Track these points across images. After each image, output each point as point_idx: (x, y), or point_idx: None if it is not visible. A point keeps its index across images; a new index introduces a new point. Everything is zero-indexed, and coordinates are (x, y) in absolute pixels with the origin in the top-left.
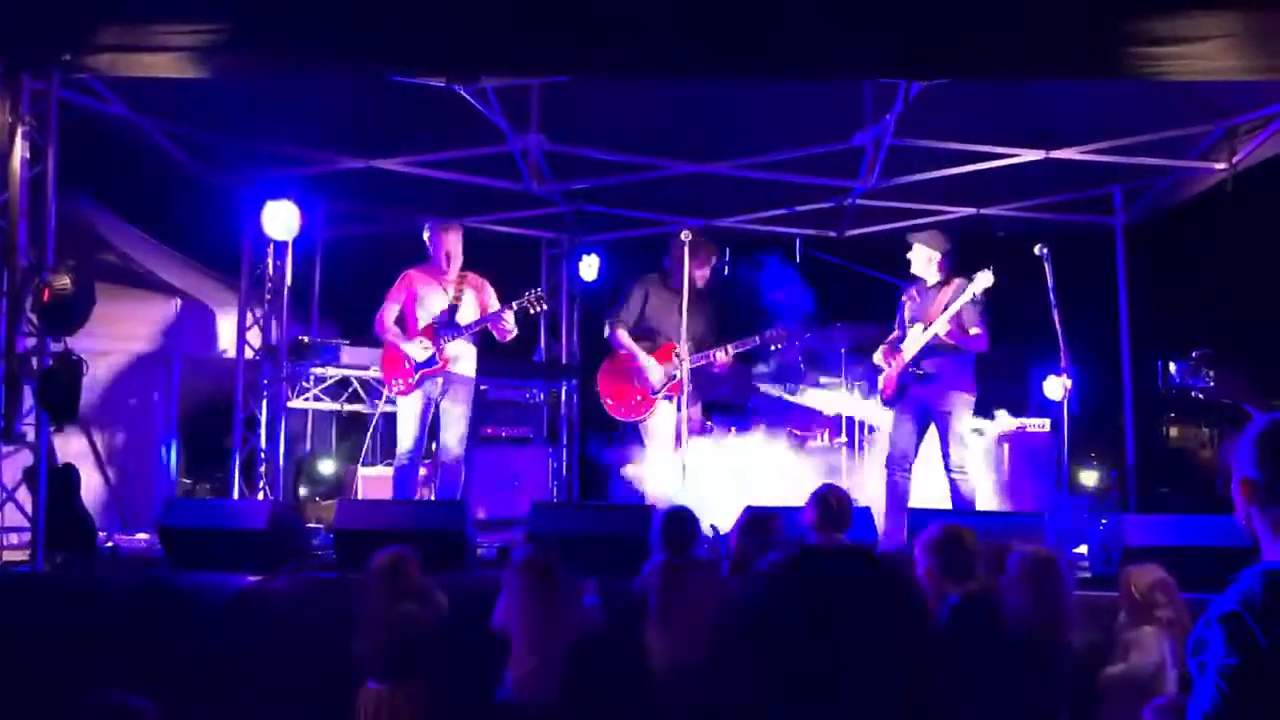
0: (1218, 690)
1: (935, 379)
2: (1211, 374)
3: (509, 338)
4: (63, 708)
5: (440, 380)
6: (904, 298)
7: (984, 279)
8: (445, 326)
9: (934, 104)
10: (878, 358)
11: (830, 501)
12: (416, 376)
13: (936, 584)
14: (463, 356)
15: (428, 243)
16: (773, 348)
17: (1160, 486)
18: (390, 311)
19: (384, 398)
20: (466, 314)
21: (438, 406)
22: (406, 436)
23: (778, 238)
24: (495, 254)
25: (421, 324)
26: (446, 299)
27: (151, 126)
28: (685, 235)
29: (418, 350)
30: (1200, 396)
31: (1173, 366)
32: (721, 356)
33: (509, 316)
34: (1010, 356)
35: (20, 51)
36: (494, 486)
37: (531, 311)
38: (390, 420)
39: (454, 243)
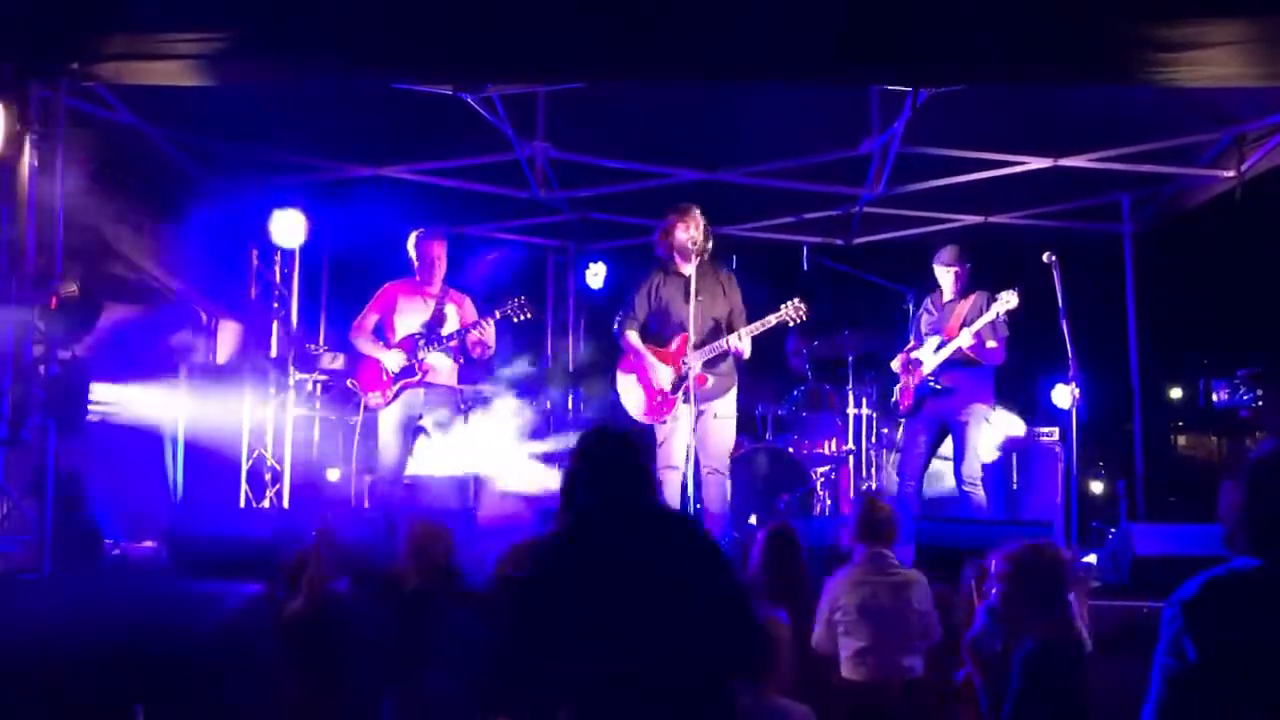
0: (1157, 687)
1: (954, 392)
2: (1260, 392)
3: (487, 354)
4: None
5: (421, 392)
6: (921, 310)
7: (1008, 300)
8: (425, 337)
9: (942, 111)
10: (896, 367)
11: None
12: (395, 388)
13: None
14: (442, 368)
15: (413, 253)
16: (790, 324)
17: (1169, 496)
18: (368, 320)
19: (361, 408)
20: (448, 327)
21: (420, 420)
22: (387, 451)
23: (784, 245)
24: (501, 262)
25: (400, 336)
26: (428, 311)
27: (158, 135)
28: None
29: (394, 360)
30: (1246, 415)
31: (1214, 389)
32: (735, 342)
33: (490, 326)
34: (1018, 365)
35: (28, 59)
36: (500, 494)
37: (515, 320)
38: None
39: (438, 252)
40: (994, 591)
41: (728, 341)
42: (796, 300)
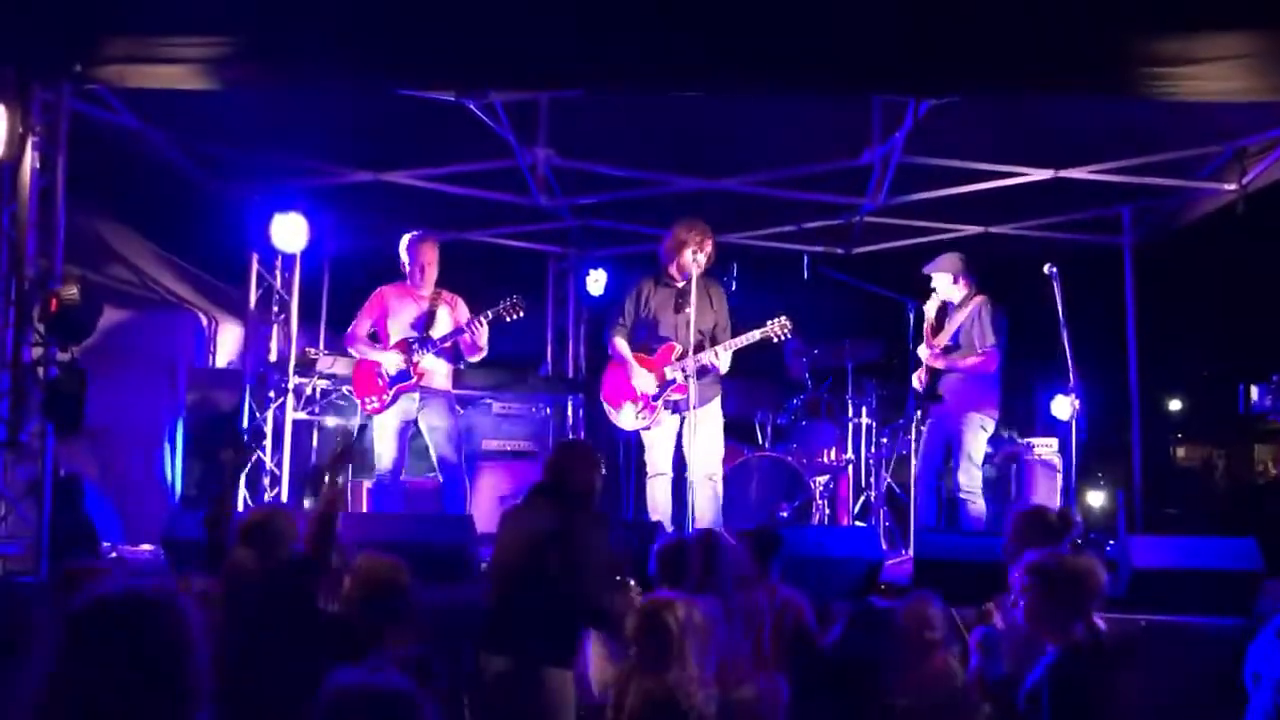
0: (1274, 703)
1: (947, 400)
2: None
3: (479, 355)
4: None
5: (416, 396)
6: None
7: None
8: (419, 340)
9: (943, 122)
10: (915, 381)
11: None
12: (391, 392)
13: None
14: (437, 371)
15: (404, 256)
16: (775, 339)
17: (1167, 508)
18: (362, 326)
19: (358, 414)
20: (440, 329)
21: (416, 425)
22: (385, 455)
23: (785, 254)
24: (502, 268)
25: (394, 339)
26: (420, 314)
27: (161, 138)
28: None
29: (391, 362)
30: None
31: (1254, 390)
32: (711, 358)
33: (483, 326)
34: (1018, 376)
35: (31, 62)
36: (499, 500)
37: (508, 319)
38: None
39: (430, 256)
40: (1019, 604)
41: (707, 356)
42: (783, 319)
